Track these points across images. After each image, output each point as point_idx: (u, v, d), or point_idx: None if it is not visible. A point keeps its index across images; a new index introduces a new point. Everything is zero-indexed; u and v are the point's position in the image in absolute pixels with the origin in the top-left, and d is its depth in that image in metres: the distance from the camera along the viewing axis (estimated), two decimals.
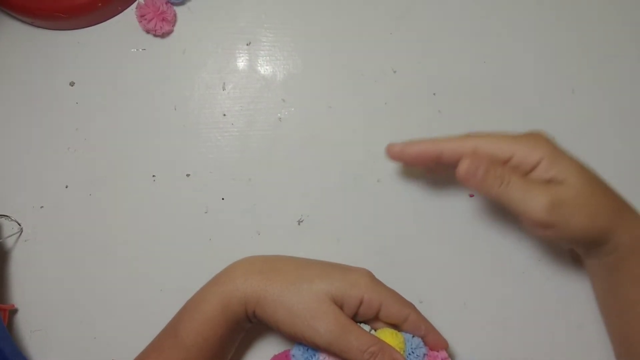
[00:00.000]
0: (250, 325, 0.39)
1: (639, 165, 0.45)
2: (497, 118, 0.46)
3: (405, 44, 0.47)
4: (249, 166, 0.45)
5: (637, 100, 0.46)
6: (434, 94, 0.46)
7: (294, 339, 0.37)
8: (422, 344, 0.37)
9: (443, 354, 0.38)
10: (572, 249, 0.42)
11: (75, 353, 0.43)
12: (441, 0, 0.47)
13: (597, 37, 0.47)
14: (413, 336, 0.37)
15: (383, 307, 0.36)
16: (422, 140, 0.39)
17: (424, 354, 0.37)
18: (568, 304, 0.43)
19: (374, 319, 0.37)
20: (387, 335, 0.36)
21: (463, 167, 0.35)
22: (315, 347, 0.36)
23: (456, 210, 0.45)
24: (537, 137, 0.37)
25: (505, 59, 0.47)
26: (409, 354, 0.36)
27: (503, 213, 0.45)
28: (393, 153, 0.39)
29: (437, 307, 0.43)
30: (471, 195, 0.45)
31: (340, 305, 0.35)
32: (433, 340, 0.37)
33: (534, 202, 0.34)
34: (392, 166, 0.45)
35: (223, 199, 0.45)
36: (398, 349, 0.35)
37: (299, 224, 0.45)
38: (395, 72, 0.47)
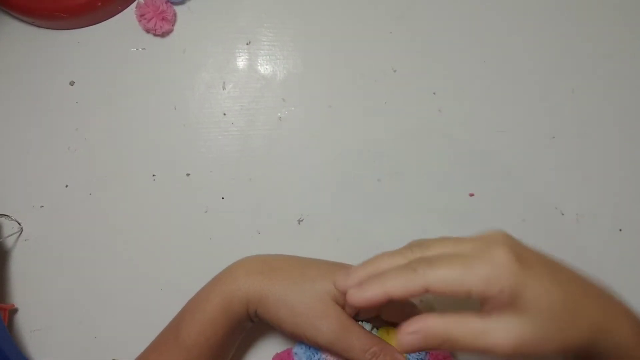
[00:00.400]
0: (251, 324, 0.38)
1: (639, 165, 0.45)
2: (497, 118, 0.46)
3: (405, 43, 0.47)
4: (249, 166, 0.45)
5: (637, 100, 0.46)
6: (434, 93, 0.46)
7: (296, 339, 0.37)
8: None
9: (446, 352, 0.37)
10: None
11: (75, 353, 0.43)
12: (441, 0, 0.47)
13: (597, 37, 0.47)
14: None
15: (384, 306, 0.35)
16: (369, 281, 0.30)
17: (426, 353, 0.36)
18: None
19: (375, 318, 0.37)
20: (388, 334, 0.36)
21: (402, 340, 0.29)
22: (317, 347, 0.36)
23: (456, 209, 0.45)
24: (494, 255, 0.29)
25: (505, 59, 0.47)
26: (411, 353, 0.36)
27: (503, 213, 0.45)
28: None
29: (437, 308, 0.43)
30: (471, 195, 0.45)
31: (342, 305, 0.35)
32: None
33: (496, 347, 0.28)
34: (392, 166, 0.45)
35: (223, 198, 0.45)
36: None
37: (299, 223, 0.45)
38: (395, 71, 0.47)
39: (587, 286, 0.33)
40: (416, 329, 0.28)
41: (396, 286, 0.29)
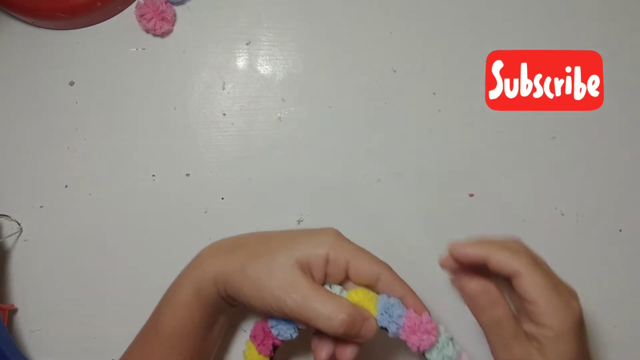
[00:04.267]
0: (230, 307, 0.37)
1: (639, 165, 0.45)
2: (497, 118, 0.46)
3: (405, 44, 0.47)
4: (249, 166, 0.45)
5: (638, 100, 0.46)
6: (434, 93, 0.46)
7: (267, 313, 0.35)
8: (399, 304, 0.34)
9: (425, 317, 0.34)
10: None
11: (75, 353, 0.43)
12: (441, 0, 0.47)
13: (597, 37, 0.47)
14: (389, 296, 0.34)
15: (351, 265, 0.34)
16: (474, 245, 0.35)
17: (400, 316, 0.33)
18: None
19: (345, 280, 0.36)
20: (358, 295, 0.33)
21: (470, 287, 0.34)
22: (286, 318, 0.34)
23: (457, 209, 0.45)
24: (570, 308, 0.33)
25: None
26: (382, 314, 0.33)
27: (503, 213, 0.45)
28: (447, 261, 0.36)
29: (439, 307, 0.43)
30: (471, 195, 0.45)
31: (308, 269, 0.34)
32: (411, 303, 0.35)
33: (508, 354, 0.33)
34: (392, 166, 0.45)
35: (223, 198, 0.45)
36: (369, 309, 0.33)
37: (298, 223, 0.45)
38: (395, 72, 0.47)
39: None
40: None
41: (498, 255, 0.33)
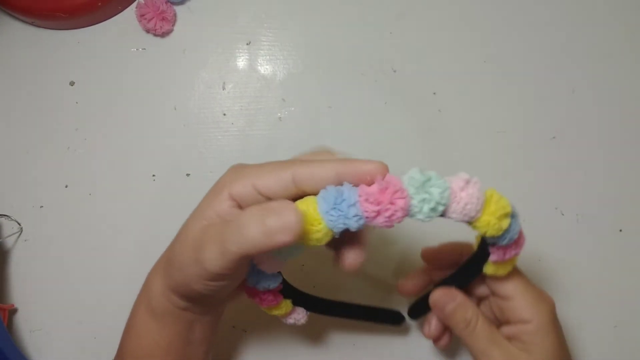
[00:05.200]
0: (199, 315, 0.32)
1: (639, 165, 0.45)
2: (497, 118, 0.46)
3: (405, 43, 0.47)
4: None
5: (638, 100, 0.46)
6: (434, 93, 0.46)
7: (217, 289, 0.30)
8: (346, 190, 0.25)
9: (378, 185, 0.25)
10: None
11: (75, 353, 0.43)
12: (441, 0, 0.47)
13: (597, 37, 0.47)
14: (326, 190, 0.26)
15: (260, 188, 0.28)
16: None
17: (351, 204, 0.25)
18: (567, 303, 0.43)
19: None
20: (300, 207, 0.26)
21: (434, 297, 0.34)
22: (226, 272, 0.28)
23: None
24: (544, 300, 0.33)
25: (505, 59, 0.47)
26: (329, 215, 0.25)
27: None
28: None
29: None
30: None
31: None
32: (355, 177, 0.26)
33: (490, 359, 0.32)
34: (392, 166, 0.45)
35: None
36: (313, 219, 0.25)
37: None
38: (395, 72, 0.47)
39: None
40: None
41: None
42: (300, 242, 0.25)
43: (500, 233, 0.27)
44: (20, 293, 0.44)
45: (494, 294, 0.34)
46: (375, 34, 0.47)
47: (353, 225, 0.25)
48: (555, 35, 0.47)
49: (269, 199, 0.28)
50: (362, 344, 0.43)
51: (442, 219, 0.27)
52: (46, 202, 0.45)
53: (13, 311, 0.44)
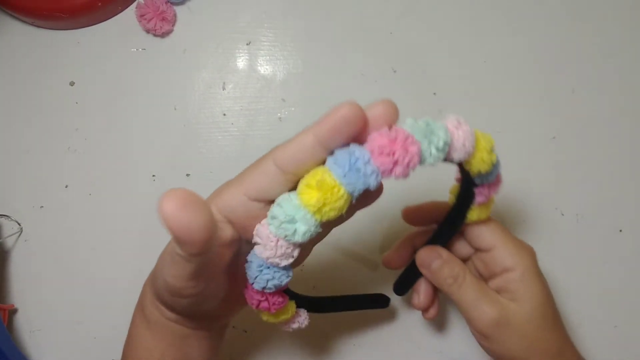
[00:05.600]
0: (193, 330, 0.30)
1: (639, 165, 0.45)
2: (497, 118, 0.46)
3: (405, 44, 0.47)
4: None
5: (638, 100, 0.46)
6: (434, 93, 0.46)
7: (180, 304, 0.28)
8: (356, 149, 0.23)
9: (399, 131, 0.23)
10: None
11: (75, 353, 0.43)
12: (441, 0, 0.47)
13: (597, 37, 0.47)
14: (334, 153, 0.24)
15: (247, 190, 0.26)
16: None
17: (366, 161, 0.23)
18: (567, 303, 0.43)
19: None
20: (311, 178, 0.24)
21: (420, 256, 0.34)
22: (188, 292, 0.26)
23: None
24: (525, 249, 0.34)
25: (505, 59, 0.47)
26: (346, 179, 0.23)
27: (503, 213, 0.45)
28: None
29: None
30: None
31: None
32: (358, 132, 0.24)
33: (480, 311, 0.33)
34: None
35: None
36: (331, 188, 0.23)
37: None
38: (395, 72, 0.47)
39: (561, 324, 0.36)
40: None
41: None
42: (317, 217, 0.23)
43: (491, 167, 0.28)
44: (20, 293, 0.44)
45: (476, 248, 0.34)
46: (375, 34, 0.47)
47: (372, 183, 0.23)
48: (555, 35, 0.47)
49: (268, 202, 0.26)
50: (362, 344, 0.43)
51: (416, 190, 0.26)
52: (46, 202, 0.45)
53: (13, 311, 0.44)
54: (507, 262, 0.33)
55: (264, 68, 0.47)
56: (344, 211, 0.24)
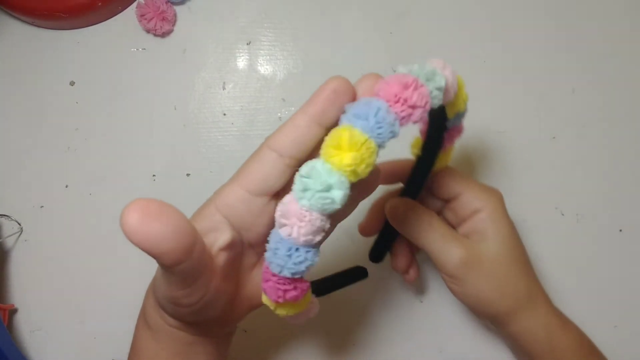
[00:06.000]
0: (198, 337, 0.29)
1: (639, 165, 0.45)
2: (497, 118, 0.46)
3: (405, 43, 0.47)
4: None
5: (638, 100, 0.46)
6: None
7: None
8: (373, 100, 0.23)
9: (406, 77, 0.23)
10: None
11: (75, 353, 0.43)
12: (441, 0, 0.47)
13: (597, 37, 0.47)
14: (346, 113, 0.23)
15: (246, 184, 0.25)
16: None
17: (388, 106, 0.22)
18: (567, 303, 0.43)
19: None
20: (336, 141, 0.22)
21: (387, 207, 0.35)
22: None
23: None
24: (492, 191, 0.35)
25: (505, 59, 0.47)
26: (374, 126, 0.22)
27: None
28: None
29: (438, 306, 0.43)
30: None
31: None
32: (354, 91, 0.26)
33: (449, 253, 0.33)
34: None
35: None
36: (361, 142, 0.22)
37: None
38: (395, 72, 0.46)
39: (530, 267, 0.36)
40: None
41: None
42: (351, 179, 0.22)
43: (466, 106, 0.28)
44: (20, 293, 0.44)
45: (445, 199, 0.35)
46: (375, 34, 0.47)
47: (397, 131, 0.22)
48: (555, 35, 0.47)
49: (269, 196, 0.25)
50: (362, 344, 0.43)
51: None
52: (46, 202, 0.45)
53: (13, 311, 0.44)
54: (475, 204, 0.34)
55: (264, 68, 0.47)
56: (373, 167, 0.23)
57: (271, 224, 0.25)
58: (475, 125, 0.46)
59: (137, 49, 0.47)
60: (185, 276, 0.23)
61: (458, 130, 0.32)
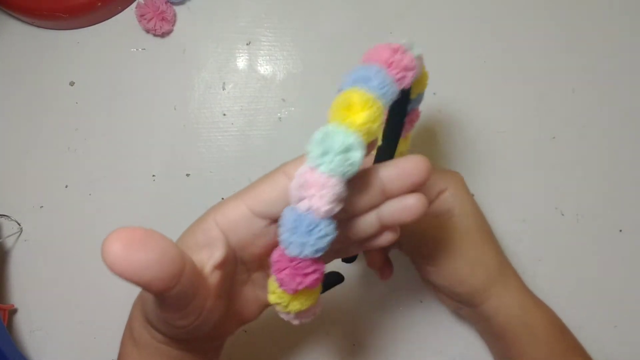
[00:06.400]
0: (177, 350, 0.28)
1: (639, 165, 0.45)
2: (497, 118, 0.46)
3: None
4: (249, 166, 0.45)
5: (638, 100, 0.46)
6: (434, 93, 0.46)
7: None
8: (372, 68, 0.23)
9: (390, 46, 0.24)
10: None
11: (75, 353, 0.43)
12: (441, 0, 0.47)
13: (597, 37, 0.47)
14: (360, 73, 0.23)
15: (255, 205, 0.25)
16: None
17: (386, 70, 0.23)
18: (568, 304, 0.43)
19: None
20: (347, 102, 0.23)
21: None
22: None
23: None
24: (453, 173, 0.37)
25: (505, 59, 0.47)
26: (379, 87, 0.23)
27: (503, 213, 0.45)
28: None
29: (438, 306, 0.43)
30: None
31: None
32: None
33: (420, 235, 0.34)
34: None
35: (223, 198, 0.45)
36: (372, 102, 0.22)
37: None
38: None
39: (498, 245, 0.38)
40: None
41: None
42: (365, 139, 0.22)
43: (426, 87, 0.29)
44: (20, 293, 0.44)
45: None
46: (375, 34, 0.47)
47: (396, 91, 0.23)
48: (555, 35, 0.47)
49: (270, 220, 0.25)
50: (362, 344, 0.43)
51: None
52: (46, 202, 0.45)
53: (13, 311, 0.44)
54: (440, 185, 0.35)
55: (264, 68, 0.47)
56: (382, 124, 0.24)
57: (269, 247, 0.25)
58: (475, 125, 0.46)
59: (137, 49, 0.47)
60: (177, 300, 0.22)
61: (416, 114, 0.32)
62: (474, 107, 0.46)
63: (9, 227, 0.45)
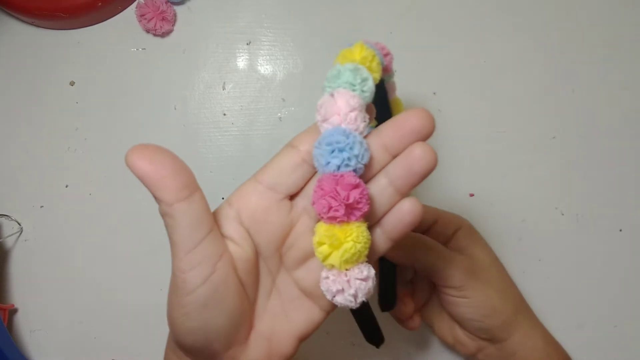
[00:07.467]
0: None
1: (639, 165, 0.45)
2: (497, 118, 0.46)
3: (405, 44, 0.47)
4: (249, 166, 0.45)
5: (638, 100, 0.46)
6: (434, 93, 0.46)
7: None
8: (367, 43, 0.28)
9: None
10: None
11: (75, 353, 0.43)
12: (441, 0, 0.47)
13: (597, 37, 0.47)
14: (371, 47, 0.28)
15: (270, 177, 0.27)
16: None
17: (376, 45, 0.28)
18: (568, 304, 0.43)
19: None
20: (353, 49, 0.28)
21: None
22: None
23: (457, 209, 0.45)
24: (458, 216, 0.40)
25: (505, 59, 0.47)
26: (373, 46, 0.28)
27: (503, 213, 0.45)
28: None
29: None
30: (471, 195, 0.45)
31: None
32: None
33: (453, 264, 0.35)
34: None
35: (223, 198, 0.45)
36: (372, 55, 0.28)
37: None
38: (395, 72, 0.46)
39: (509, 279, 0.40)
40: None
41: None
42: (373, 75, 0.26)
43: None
44: (20, 293, 0.44)
45: (424, 228, 0.39)
46: (375, 34, 0.47)
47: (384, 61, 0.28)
48: (555, 35, 0.47)
49: (286, 197, 0.26)
50: (362, 344, 0.43)
51: None
52: (46, 202, 0.45)
53: (13, 311, 0.44)
54: (455, 223, 0.38)
55: (264, 68, 0.47)
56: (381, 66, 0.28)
57: (283, 227, 0.25)
58: (475, 125, 0.46)
59: (137, 49, 0.47)
60: (189, 222, 0.23)
61: (393, 88, 0.34)
62: (474, 107, 0.46)
63: (9, 227, 0.45)
